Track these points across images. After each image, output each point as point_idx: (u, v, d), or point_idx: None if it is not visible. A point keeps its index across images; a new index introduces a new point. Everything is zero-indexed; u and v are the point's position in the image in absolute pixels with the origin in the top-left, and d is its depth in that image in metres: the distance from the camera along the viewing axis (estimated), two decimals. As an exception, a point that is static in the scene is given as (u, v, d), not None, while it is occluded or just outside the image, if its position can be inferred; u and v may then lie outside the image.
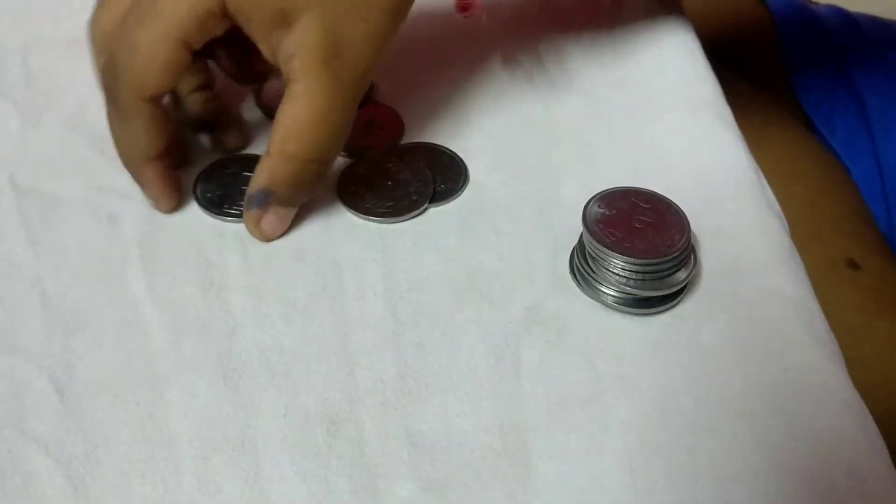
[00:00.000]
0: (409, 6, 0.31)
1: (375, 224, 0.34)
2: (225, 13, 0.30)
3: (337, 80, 0.30)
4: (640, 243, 0.30)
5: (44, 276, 0.32)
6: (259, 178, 0.32)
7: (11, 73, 0.40)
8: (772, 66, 0.60)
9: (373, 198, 0.34)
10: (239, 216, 0.33)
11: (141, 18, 0.30)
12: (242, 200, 0.33)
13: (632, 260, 0.30)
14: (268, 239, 0.33)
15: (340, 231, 0.34)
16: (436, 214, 0.34)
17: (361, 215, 0.34)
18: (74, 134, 0.37)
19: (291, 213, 0.33)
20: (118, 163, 0.36)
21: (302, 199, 0.33)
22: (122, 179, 0.35)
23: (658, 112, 0.38)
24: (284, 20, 0.29)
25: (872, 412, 0.29)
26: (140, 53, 0.30)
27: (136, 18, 0.30)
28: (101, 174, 0.36)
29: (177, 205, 0.34)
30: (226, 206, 0.34)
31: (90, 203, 0.35)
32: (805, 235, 0.49)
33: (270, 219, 0.32)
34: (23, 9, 0.44)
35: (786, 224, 0.34)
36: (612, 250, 0.30)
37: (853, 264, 0.49)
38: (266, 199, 0.32)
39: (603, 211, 0.31)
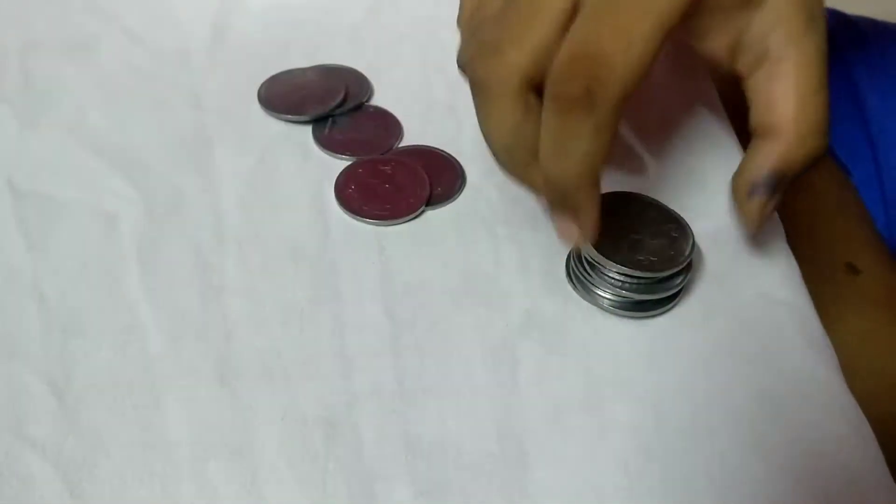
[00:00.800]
0: None
1: (373, 227, 0.34)
2: (694, 15, 0.26)
3: (821, 44, 0.28)
4: (636, 249, 0.30)
5: (42, 279, 0.32)
6: (766, 162, 0.28)
7: (10, 76, 0.40)
8: None
9: (370, 200, 0.34)
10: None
11: (629, 7, 0.25)
12: None
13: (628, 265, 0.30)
14: (760, 230, 0.30)
15: (338, 234, 0.34)
16: (433, 218, 0.34)
17: (359, 218, 0.34)
18: (73, 137, 0.37)
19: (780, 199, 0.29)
20: (116, 166, 0.36)
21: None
22: (120, 183, 0.35)
23: (656, 116, 0.38)
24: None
25: (874, 417, 0.29)
26: (638, 44, 0.25)
27: (621, 9, 0.25)
28: (100, 177, 0.36)
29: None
30: None
31: (88, 206, 0.35)
32: (804, 239, 0.49)
33: (772, 205, 0.29)
34: (22, 11, 0.43)
35: (782, 228, 0.34)
36: (608, 256, 0.30)
37: (853, 268, 0.49)
38: (776, 185, 0.29)
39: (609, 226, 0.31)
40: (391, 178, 0.35)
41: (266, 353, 0.30)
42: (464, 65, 0.28)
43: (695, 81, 0.39)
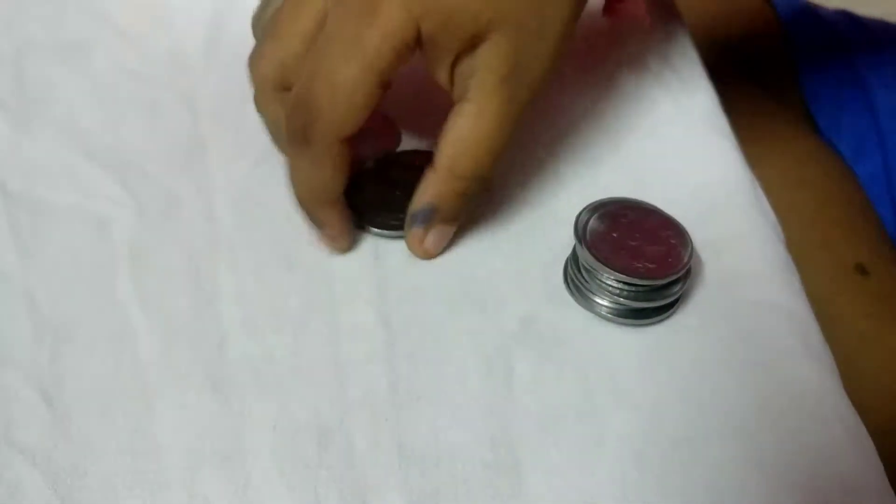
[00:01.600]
0: (576, 23, 0.31)
1: (368, 234, 0.34)
2: (417, 44, 0.28)
3: (511, 98, 0.29)
4: (634, 255, 0.30)
5: (33, 284, 0.32)
6: (424, 196, 0.31)
7: (3, 79, 0.40)
8: (780, 70, 0.60)
9: (374, 207, 0.34)
10: None
11: (337, 53, 0.28)
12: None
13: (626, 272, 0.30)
14: (430, 256, 0.32)
15: (333, 240, 0.34)
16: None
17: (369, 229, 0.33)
18: (66, 141, 0.37)
19: (452, 229, 0.32)
20: (109, 170, 0.36)
21: (462, 217, 0.32)
22: (113, 187, 0.35)
23: (655, 124, 0.38)
24: (472, 43, 0.29)
25: (880, 420, 0.29)
26: (341, 92, 0.28)
27: (332, 53, 0.28)
28: (92, 181, 0.35)
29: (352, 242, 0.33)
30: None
31: (80, 210, 0.34)
32: (813, 242, 0.49)
33: (434, 236, 0.32)
34: (15, 13, 0.43)
35: (781, 235, 0.34)
36: (606, 263, 0.30)
37: (862, 270, 0.49)
38: (431, 217, 0.31)
39: (597, 223, 0.31)
40: (392, 191, 0.35)
41: (259, 359, 0.30)
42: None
43: (696, 91, 0.39)
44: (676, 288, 0.30)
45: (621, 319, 0.31)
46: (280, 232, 0.34)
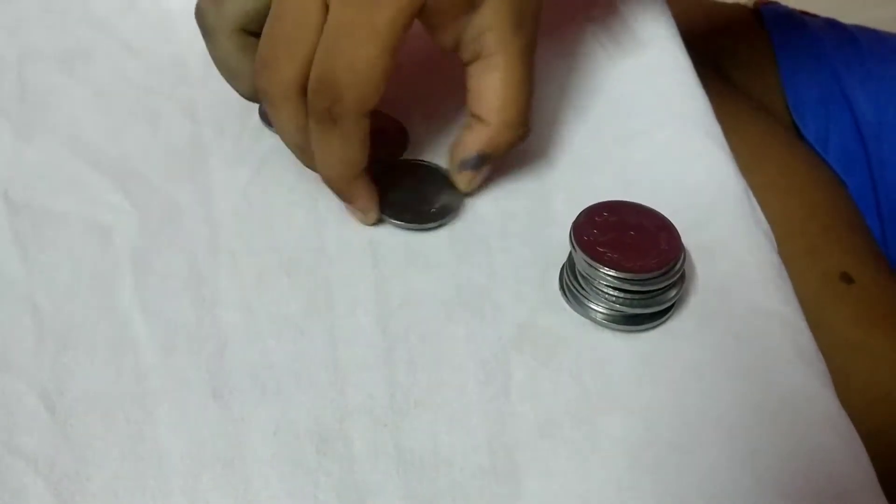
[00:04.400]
0: None
1: (367, 240, 0.34)
2: (421, 13, 0.30)
3: (528, 43, 0.32)
4: (629, 259, 0.30)
5: (35, 291, 0.32)
6: (474, 144, 0.33)
7: (6, 87, 0.40)
8: (767, 80, 0.61)
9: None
10: None
11: (352, 37, 0.29)
12: None
13: (622, 276, 0.30)
14: (472, 193, 0.36)
15: (332, 247, 0.34)
16: (426, 231, 0.34)
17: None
18: (68, 148, 0.37)
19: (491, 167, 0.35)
20: (111, 177, 0.36)
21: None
22: (115, 194, 0.35)
23: (648, 129, 0.38)
24: (471, 4, 0.31)
25: (868, 428, 0.29)
26: (362, 71, 0.30)
27: (347, 37, 0.29)
28: (94, 189, 0.36)
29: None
30: None
31: (82, 218, 0.35)
32: (799, 249, 0.49)
33: (481, 176, 0.35)
34: (18, 21, 0.44)
35: (774, 241, 0.34)
36: (602, 265, 0.30)
37: (847, 278, 0.49)
38: (482, 163, 0.34)
39: (592, 228, 0.31)
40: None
41: (259, 365, 0.30)
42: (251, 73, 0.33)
43: (689, 98, 0.39)
44: (671, 294, 0.31)
45: (617, 325, 0.31)
46: (280, 239, 0.34)
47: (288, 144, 0.34)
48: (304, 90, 0.31)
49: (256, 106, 0.39)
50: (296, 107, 0.32)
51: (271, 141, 0.38)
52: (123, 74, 0.41)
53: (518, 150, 0.37)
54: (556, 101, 0.40)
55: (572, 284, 0.32)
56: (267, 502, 0.27)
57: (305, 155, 0.33)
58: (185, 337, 0.31)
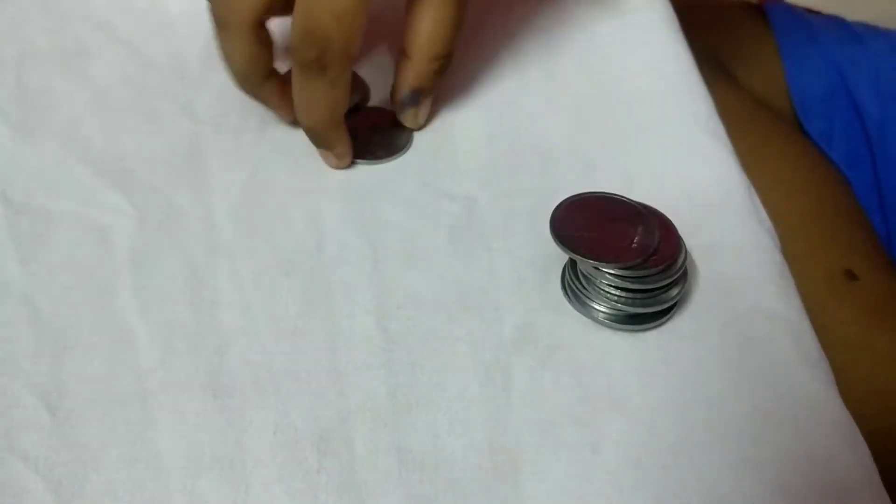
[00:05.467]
0: None
1: (367, 241, 0.34)
2: None
3: None
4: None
5: (34, 292, 0.32)
6: (407, 81, 0.36)
7: (4, 87, 0.40)
8: (771, 78, 0.61)
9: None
10: None
11: None
12: None
13: (624, 275, 0.30)
14: (422, 126, 0.38)
15: (331, 248, 0.34)
16: (427, 230, 0.34)
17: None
18: (67, 149, 0.37)
19: (431, 100, 0.38)
20: (109, 178, 0.36)
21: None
22: (113, 195, 0.35)
23: (650, 127, 0.38)
24: None
25: (872, 427, 0.29)
26: (345, 20, 0.31)
27: None
28: (93, 189, 0.36)
29: None
30: None
31: (81, 219, 0.35)
32: (803, 247, 0.49)
33: (423, 110, 0.38)
34: (17, 21, 0.43)
35: (777, 241, 0.34)
36: (602, 266, 0.30)
37: (851, 275, 0.49)
38: (418, 97, 0.37)
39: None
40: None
41: (258, 366, 0.30)
42: None
43: (692, 95, 0.39)
44: (673, 293, 0.31)
45: (618, 325, 0.31)
46: (279, 239, 0.34)
47: (233, 72, 0.35)
48: (260, 22, 0.33)
49: (257, 106, 0.39)
50: (250, 34, 0.33)
51: (271, 141, 0.38)
52: (123, 74, 0.41)
53: (519, 148, 0.37)
54: (556, 99, 0.39)
55: (574, 284, 0.31)
56: (267, 503, 0.27)
57: (248, 81, 0.35)
58: (184, 338, 0.31)
